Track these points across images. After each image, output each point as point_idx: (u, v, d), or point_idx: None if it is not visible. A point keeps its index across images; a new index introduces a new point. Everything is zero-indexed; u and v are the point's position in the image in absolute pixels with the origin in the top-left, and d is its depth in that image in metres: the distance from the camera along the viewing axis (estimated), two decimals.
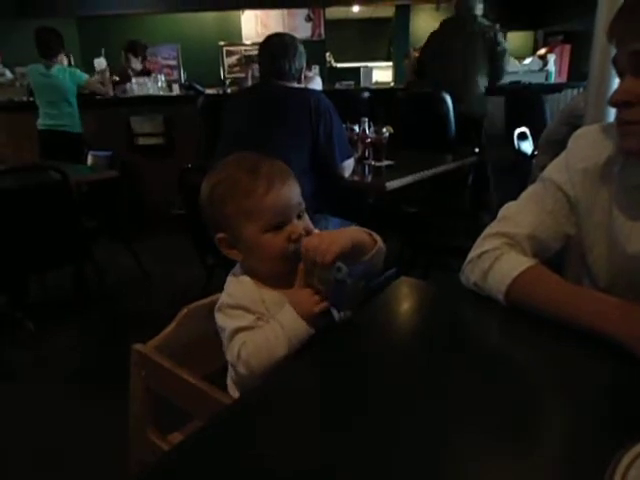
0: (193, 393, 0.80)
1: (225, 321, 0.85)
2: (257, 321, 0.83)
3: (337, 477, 0.52)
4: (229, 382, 0.93)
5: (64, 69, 3.66)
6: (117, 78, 4.48)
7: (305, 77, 2.31)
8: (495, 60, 3.48)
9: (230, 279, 0.91)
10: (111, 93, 3.80)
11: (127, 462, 1.00)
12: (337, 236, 0.82)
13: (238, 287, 0.88)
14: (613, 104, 0.79)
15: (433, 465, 0.53)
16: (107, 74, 3.90)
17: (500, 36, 3.46)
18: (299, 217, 0.87)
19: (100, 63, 4.35)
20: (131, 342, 0.93)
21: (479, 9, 3.50)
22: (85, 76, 3.77)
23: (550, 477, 0.51)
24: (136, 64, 4.82)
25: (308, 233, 0.86)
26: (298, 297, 0.82)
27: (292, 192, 0.87)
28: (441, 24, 3.70)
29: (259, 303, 0.85)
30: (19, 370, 2.18)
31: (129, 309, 2.73)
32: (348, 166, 2.18)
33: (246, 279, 0.88)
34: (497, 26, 3.45)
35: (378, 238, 0.91)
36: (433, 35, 3.73)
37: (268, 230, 0.84)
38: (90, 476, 1.52)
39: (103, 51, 5.40)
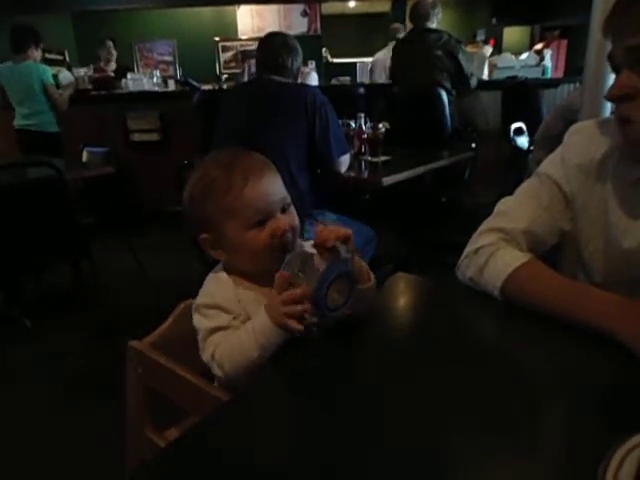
0: (189, 389, 0.80)
1: (201, 321, 0.83)
2: (233, 321, 0.81)
3: (334, 473, 0.52)
4: (216, 384, 0.93)
5: (31, 65, 3.51)
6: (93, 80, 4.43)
7: (301, 73, 2.31)
8: (459, 74, 3.35)
9: (209, 277, 0.89)
10: (64, 108, 3.63)
11: (124, 458, 1.00)
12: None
13: (214, 285, 0.86)
14: (610, 99, 0.79)
15: (431, 461, 0.53)
16: (68, 92, 3.76)
17: (461, 49, 3.33)
18: (284, 211, 0.84)
19: (65, 78, 4.25)
20: (129, 338, 0.93)
21: (434, 22, 3.36)
22: (51, 79, 3.60)
23: (545, 473, 0.52)
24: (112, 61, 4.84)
25: (293, 229, 0.83)
26: (273, 303, 0.75)
27: (272, 185, 0.83)
28: (402, 38, 3.61)
29: (234, 303, 0.82)
30: (16, 368, 2.17)
31: (127, 305, 2.72)
32: (344, 162, 2.18)
33: (224, 276, 0.86)
34: (454, 40, 3.31)
35: (372, 277, 0.87)
36: (398, 46, 3.65)
37: (251, 227, 0.81)
38: (88, 472, 1.52)
39: (66, 65, 5.37)
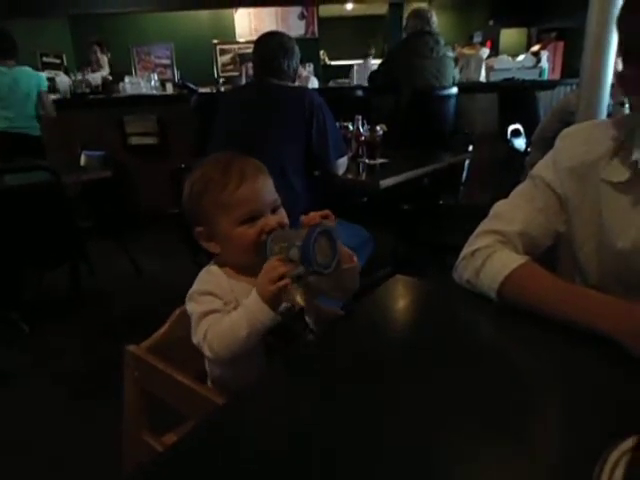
0: (186, 394, 0.80)
1: (194, 307, 0.87)
2: (225, 306, 0.85)
3: (333, 474, 0.52)
4: (209, 383, 0.95)
5: (29, 71, 3.51)
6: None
7: (299, 76, 2.31)
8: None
9: (201, 271, 0.94)
10: (55, 114, 3.62)
11: (121, 463, 0.99)
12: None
13: (208, 276, 0.92)
14: None
15: (430, 461, 0.53)
16: (51, 98, 3.73)
17: (447, 48, 3.51)
18: (274, 212, 0.90)
19: (62, 82, 4.22)
20: (127, 342, 0.93)
21: (432, 26, 3.47)
22: (46, 86, 3.62)
23: (541, 473, 0.52)
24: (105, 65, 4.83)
25: (283, 227, 0.89)
26: (260, 278, 0.81)
27: (264, 186, 0.90)
28: (402, 42, 3.65)
29: (228, 291, 0.88)
30: (13, 371, 2.16)
31: (124, 309, 2.72)
32: (342, 164, 2.18)
33: (215, 269, 0.92)
34: (441, 41, 3.47)
35: (355, 258, 0.91)
36: (398, 49, 3.67)
37: (242, 223, 0.87)
38: (86, 476, 1.51)
39: (63, 68, 5.33)
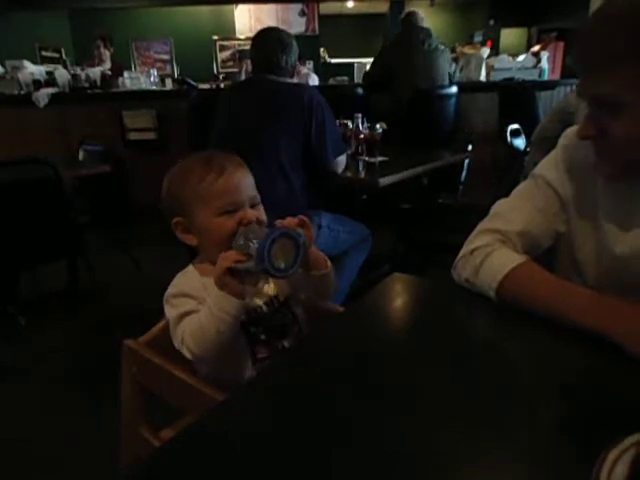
0: (184, 389, 0.80)
1: (170, 311, 0.89)
2: (199, 306, 0.86)
3: (330, 475, 0.52)
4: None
5: None
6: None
7: (299, 73, 2.30)
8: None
9: (179, 273, 0.95)
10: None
11: (119, 458, 0.99)
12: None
13: (182, 277, 0.93)
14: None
15: (429, 462, 0.53)
16: None
17: (438, 42, 3.57)
18: (253, 207, 0.91)
19: (61, 75, 4.22)
20: (124, 337, 0.93)
21: (421, 23, 3.57)
22: None
23: (539, 473, 0.52)
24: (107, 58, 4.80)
25: (260, 223, 0.90)
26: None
27: (244, 180, 0.92)
28: (396, 37, 3.69)
29: (201, 290, 0.88)
30: (10, 366, 2.16)
31: (122, 304, 2.71)
32: (341, 162, 2.17)
33: (190, 268, 0.94)
34: (433, 35, 3.55)
35: (329, 264, 0.94)
36: (392, 46, 3.69)
37: (220, 214, 0.88)
38: (82, 473, 1.51)
39: (62, 62, 5.28)
